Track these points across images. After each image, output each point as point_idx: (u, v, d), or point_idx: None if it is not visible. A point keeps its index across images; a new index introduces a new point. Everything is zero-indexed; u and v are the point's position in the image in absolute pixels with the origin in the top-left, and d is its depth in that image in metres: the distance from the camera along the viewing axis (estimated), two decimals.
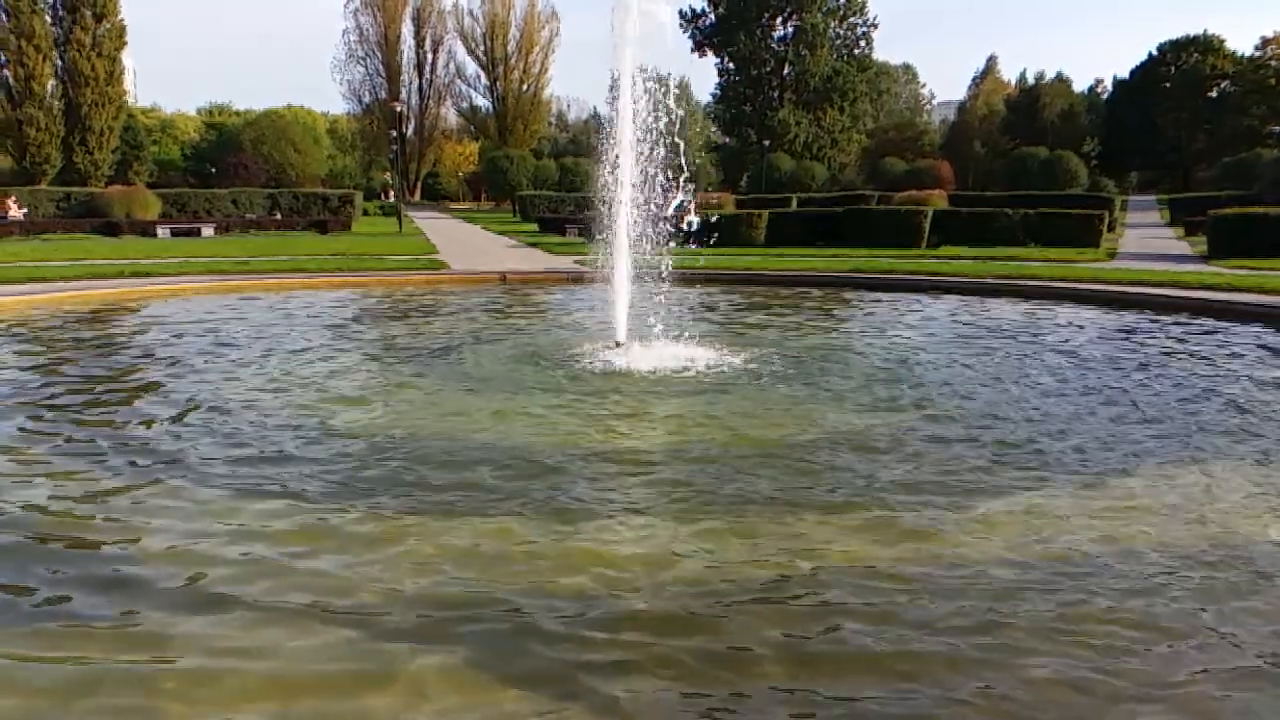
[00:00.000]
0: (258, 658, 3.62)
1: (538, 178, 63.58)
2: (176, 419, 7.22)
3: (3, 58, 49.35)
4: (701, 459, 6.19)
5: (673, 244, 10.36)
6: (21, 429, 6.98)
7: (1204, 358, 10.11)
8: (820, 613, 4.02)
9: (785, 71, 74.66)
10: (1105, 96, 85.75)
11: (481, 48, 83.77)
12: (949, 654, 3.64)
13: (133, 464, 6.10)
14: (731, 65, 75.33)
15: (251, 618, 3.93)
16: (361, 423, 7.15)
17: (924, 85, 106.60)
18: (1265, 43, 75.87)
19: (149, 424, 7.11)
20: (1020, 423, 7.20)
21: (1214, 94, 76.28)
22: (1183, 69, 76.27)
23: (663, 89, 10.05)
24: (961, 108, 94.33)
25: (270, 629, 3.84)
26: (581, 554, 4.60)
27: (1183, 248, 27.78)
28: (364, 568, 4.44)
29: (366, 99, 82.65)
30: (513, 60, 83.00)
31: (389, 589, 4.21)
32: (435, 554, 4.60)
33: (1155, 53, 78.35)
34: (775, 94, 75.02)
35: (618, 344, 9.95)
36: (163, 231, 35.89)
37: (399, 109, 68.96)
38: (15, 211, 36.75)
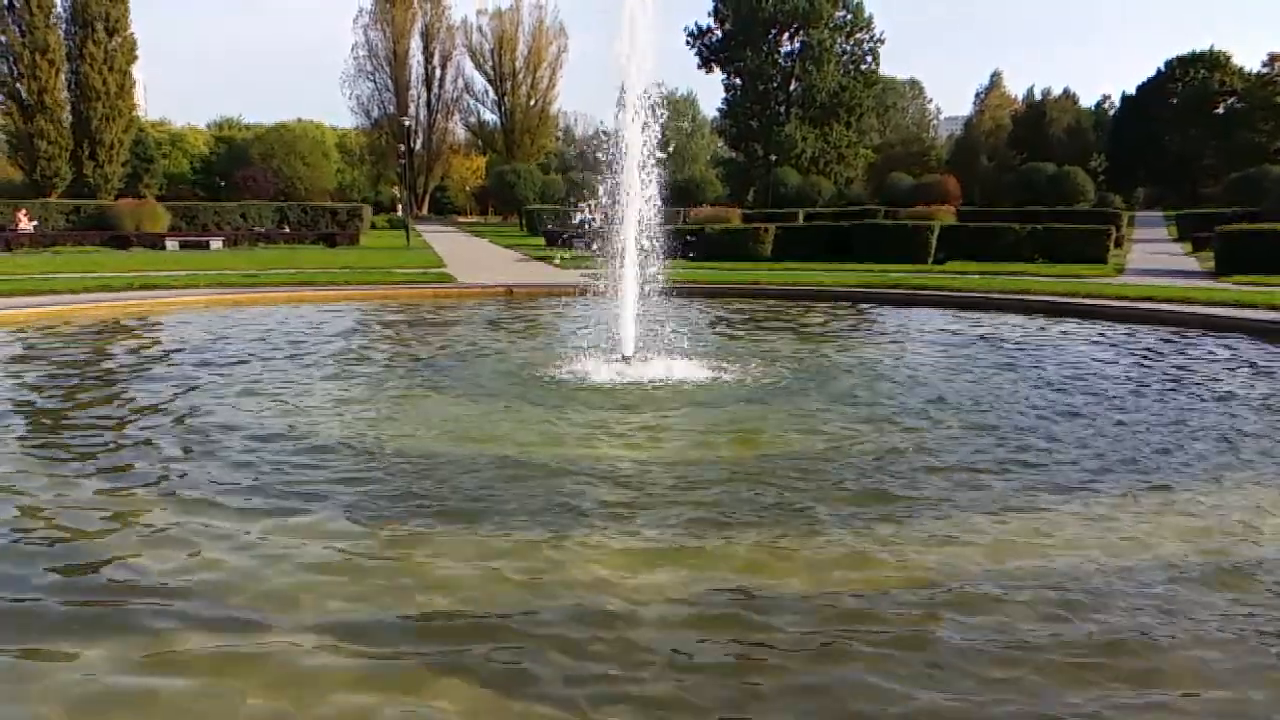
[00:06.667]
0: (262, 667, 3.60)
1: (545, 192, 63.77)
2: (181, 431, 7.20)
3: (16, 70, 49.78)
4: (709, 473, 6.15)
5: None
6: (26, 439, 6.98)
7: (1216, 375, 10.04)
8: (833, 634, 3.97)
9: (792, 87, 74.95)
10: (1112, 112, 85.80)
11: (490, 63, 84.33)
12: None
13: (137, 476, 6.08)
14: (738, 81, 75.66)
15: (254, 625, 3.90)
16: (366, 435, 7.12)
17: (930, 100, 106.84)
18: (1273, 59, 75.89)
19: (154, 436, 7.09)
20: (1034, 439, 7.14)
21: (1221, 110, 76.26)
22: (1190, 85, 76.29)
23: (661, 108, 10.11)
24: (968, 123, 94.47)
25: (271, 637, 3.81)
26: (589, 569, 4.56)
27: (1191, 264, 27.69)
28: (366, 578, 4.40)
29: (375, 113, 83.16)
30: (520, 75, 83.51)
31: (389, 601, 4.18)
32: (439, 567, 4.56)
33: (1163, 69, 78.42)
34: (782, 109, 75.29)
35: (625, 358, 9.92)
36: (171, 244, 36.08)
37: (407, 123, 69.33)
38: (25, 224, 36.98)
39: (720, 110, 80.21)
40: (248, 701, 3.40)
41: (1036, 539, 5.01)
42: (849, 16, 74.00)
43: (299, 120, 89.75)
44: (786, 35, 74.34)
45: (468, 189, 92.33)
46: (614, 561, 4.68)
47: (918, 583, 4.43)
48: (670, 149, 10.24)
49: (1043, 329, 13.85)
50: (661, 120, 10.12)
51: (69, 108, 52.38)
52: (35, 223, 37.71)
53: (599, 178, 10.28)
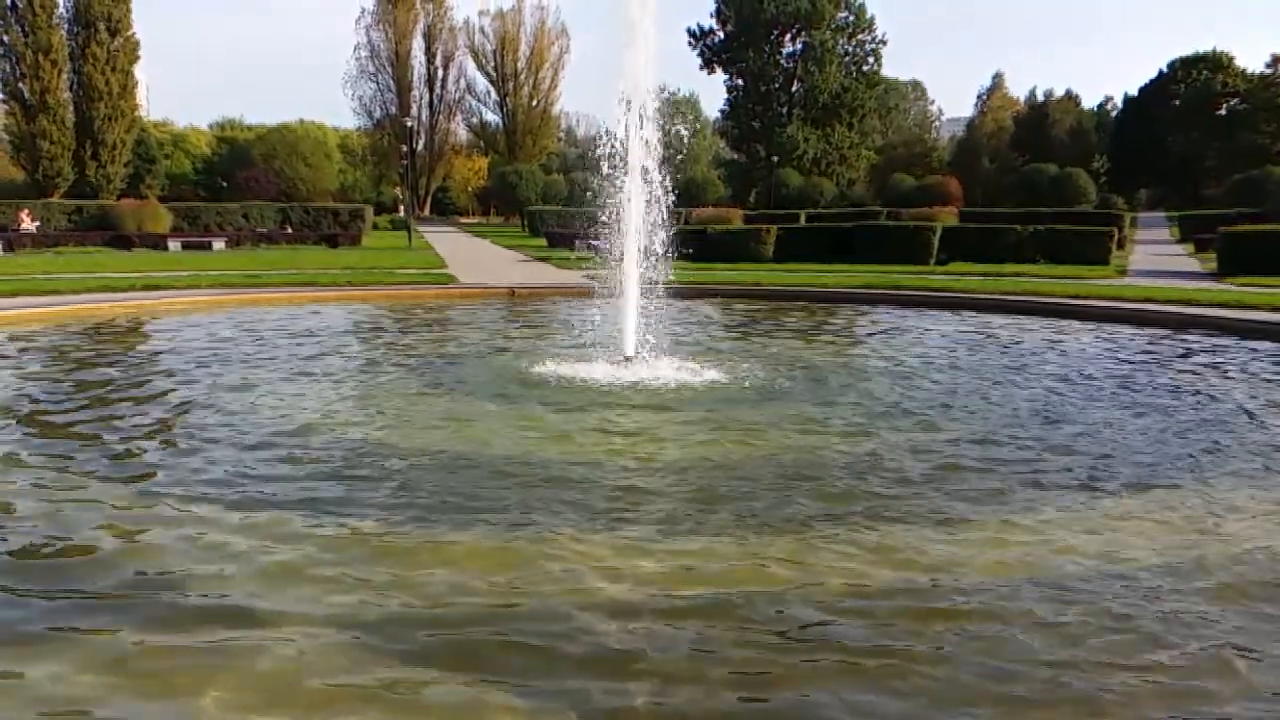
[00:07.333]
0: (248, 667, 3.59)
1: (547, 193, 63.82)
2: (177, 430, 7.20)
3: (19, 71, 49.84)
4: (707, 474, 6.15)
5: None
6: (33, 442, 6.99)
7: (1216, 377, 10.03)
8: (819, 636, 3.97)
9: (794, 88, 74.98)
10: (1114, 114, 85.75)
11: (492, 64, 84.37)
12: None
13: (129, 475, 6.08)
14: (740, 82, 75.69)
15: (252, 627, 3.90)
16: (362, 434, 7.12)
17: (932, 102, 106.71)
18: (1276, 60, 75.88)
19: (150, 436, 7.10)
20: (1031, 441, 7.13)
21: (1224, 111, 76.21)
22: (1193, 86, 76.25)
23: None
24: (970, 124, 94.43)
25: (259, 635, 3.80)
26: (579, 570, 4.55)
27: (1193, 265, 27.68)
28: (353, 578, 4.39)
29: (377, 114, 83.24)
30: (522, 76, 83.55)
31: (375, 601, 4.17)
32: (432, 566, 4.55)
33: (1165, 70, 78.36)
34: (784, 110, 75.29)
35: (626, 358, 9.93)
36: (174, 245, 36.12)
37: (409, 124, 69.38)
38: (28, 224, 37.04)
39: (722, 111, 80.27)
40: (235, 704, 3.39)
41: (1032, 541, 4.99)
42: (851, 18, 74.01)
43: (301, 121, 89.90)
44: (788, 36, 74.38)
45: (470, 190, 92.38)
46: (605, 563, 4.66)
47: (914, 587, 4.42)
48: (678, 175, 10.28)
49: (1044, 330, 13.84)
50: (665, 128, 10.16)
51: (71, 108, 52.41)
52: (37, 223, 37.78)
53: (600, 178, 10.28)
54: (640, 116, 9.99)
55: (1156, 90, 77.85)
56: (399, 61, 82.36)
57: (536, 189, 64.63)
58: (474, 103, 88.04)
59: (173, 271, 22.15)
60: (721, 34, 75.14)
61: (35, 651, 3.75)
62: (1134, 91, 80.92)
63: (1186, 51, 78.42)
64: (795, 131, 72.32)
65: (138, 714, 3.36)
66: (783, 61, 74.87)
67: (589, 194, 10.58)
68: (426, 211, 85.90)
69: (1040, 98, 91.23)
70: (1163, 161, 75.66)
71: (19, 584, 4.39)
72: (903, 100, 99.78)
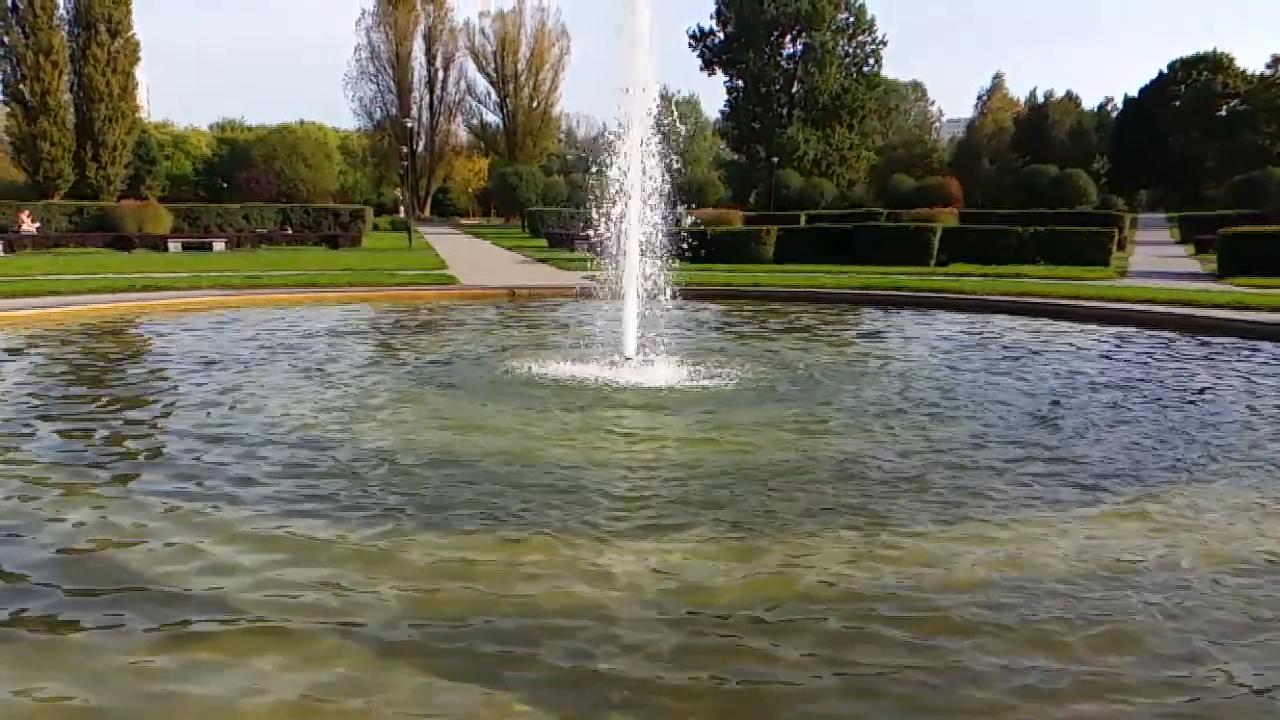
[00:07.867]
0: (249, 671, 3.59)
1: (548, 194, 63.83)
2: (172, 432, 7.20)
3: (20, 72, 49.85)
4: (708, 475, 6.14)
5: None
6: (30, 442, 6.99)
7: (1214, 379, 10.02)
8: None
9: (794, 89, 75.02)
10: (1115, 114, 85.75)
11: (492, 65, 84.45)
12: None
13: (119, 476, 6.09)
14: (740, 83, 75.74)
15: (244, 628, 3.90)
16: (366, 438, 7.12)
17: (933, 103, 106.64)
18: (1276, 61, 75.91)
19: (143, 437, 7.12)
20: (1028, 444, 7.13)
21: (1224, 112, 76.23)
22: (1193, 87, 76.30)
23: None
24: (970, 125, 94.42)
25: (260, 641, 3.80)
26: (585, 572, 4.55)
27: (1193, 266, 27.66)
28: (342, 580, 4.38)
29: (378, 115, 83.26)
30: (523, 78, 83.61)
31: (389, 603, 4.17)
32: (440, 569, 4.56)
33: (1165, 70, 78.40)
34: (784, 111, 75.32)
35: (626, 359, 9.93)
36: (174, 246, 36.12)
37: (410, 125, 69.44)
38: (28, 225, 37.04)
39: (722, 112, 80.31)
40: (226, 706, 3.37)
41: (1029, 541, 4.98)
42: (851, 19, 74.07)
43: (301, 122, 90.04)
44: (789, 37, 74.42)
45: (470, 191, 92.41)
46: (602, 565, 4.65)
47: (911, 589, 4.41)
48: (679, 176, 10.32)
49: (1043, 331, 13.83)
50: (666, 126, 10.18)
51: (72, 109, 52.41)
52: (38, 224, 37.77)
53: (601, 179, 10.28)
54: (643, 116, 10.01)
55: (1157, 91, 77.87)
56: (399, 63, 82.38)
57: (537, 190, 64.62)
58: (474, 104, 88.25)
59: (173, 272, 22.15)
60: (722, 35, 75.18)
61: (28, 651, 3.75)
62: (1134, 92, 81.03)
63: (1187, 52, 78.62)
64: (795, 132, 72.35)
65: (128, 715, 3.35)
66: (783, 63, 74.91)
67: (589, 196, 10.57)
68: (427, 212, 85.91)
69: (1040, 98, 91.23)
70: (1163, 162, 75.67)
71: (11, 583, 4.39)
72: (903, 101, 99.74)
